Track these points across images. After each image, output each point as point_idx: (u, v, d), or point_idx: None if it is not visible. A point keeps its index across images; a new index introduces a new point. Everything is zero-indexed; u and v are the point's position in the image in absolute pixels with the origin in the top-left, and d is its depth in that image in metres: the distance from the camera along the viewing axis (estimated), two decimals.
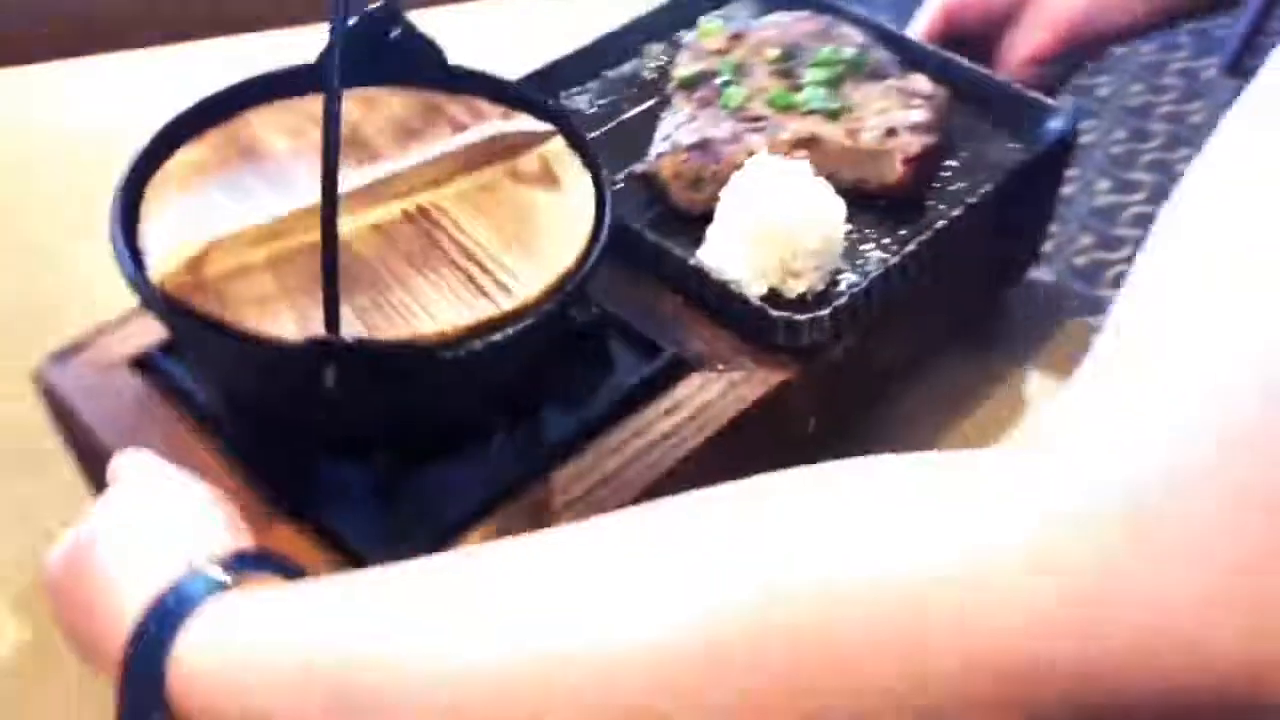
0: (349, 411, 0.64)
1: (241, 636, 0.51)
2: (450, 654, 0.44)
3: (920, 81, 0.91)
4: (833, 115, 0.87)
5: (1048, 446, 0.40)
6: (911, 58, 0.95)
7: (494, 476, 0.67)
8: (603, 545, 0.45)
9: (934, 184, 0.88)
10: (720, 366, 0.75)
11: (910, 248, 0.79)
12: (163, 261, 0.60)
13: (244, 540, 0.58)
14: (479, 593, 0.47)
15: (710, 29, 0.96)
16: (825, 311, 0.75)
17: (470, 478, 0.68)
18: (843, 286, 0.80)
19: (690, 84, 0.91)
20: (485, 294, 0.61)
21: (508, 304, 0.60)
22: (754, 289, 0.78)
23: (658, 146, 0.86)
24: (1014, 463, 0.40)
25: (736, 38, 0.95)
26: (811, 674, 0.39)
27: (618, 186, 0.87)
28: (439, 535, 0.64)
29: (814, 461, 0.43)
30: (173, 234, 0.62)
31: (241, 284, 0.60)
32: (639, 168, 0.87)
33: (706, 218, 0.81)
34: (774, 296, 0.78)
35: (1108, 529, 0.36)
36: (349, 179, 0.66)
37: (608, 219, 0.66)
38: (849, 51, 0.92)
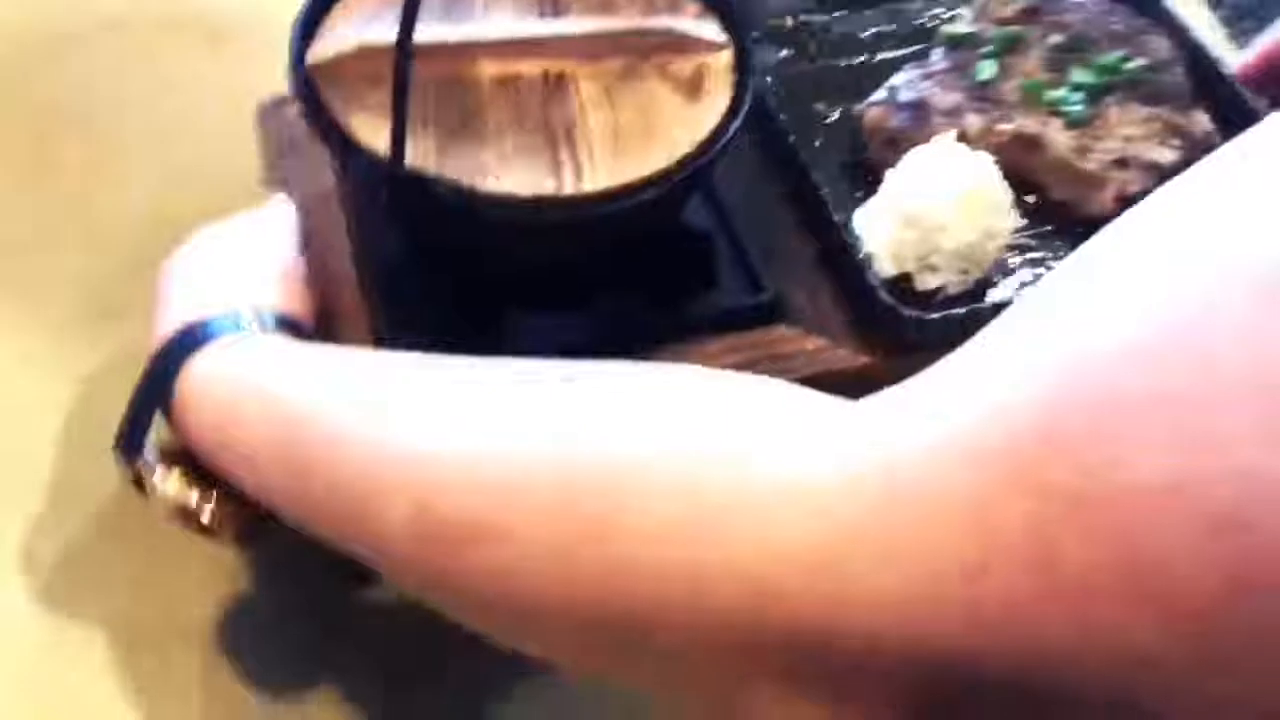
0: (420, 234, 0.70)
1: (234, 370, 0.59)
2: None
3: (1199, 121, 0.81)
4: (1074, 123, 0.80)
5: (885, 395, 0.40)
6: (1214, 91, 0.85)
7: (564, 340, 0.70)
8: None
9: None
10: (808, 328, 0.74)
11: None
12: (319, 51, 0.67)
13: (292, 306, 0.66)
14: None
15: None
16: (935, 315, 0.72)
17: (545, 336, 0.72)
18: (984, 299, 0.76)
19: (954, 42, 0.86)
20: (556, 174, 0.63)
21: (568, 189, 0.63)
22: (886, 267, 0.75)
23: (879, 93, 0.83)
24: (832, 402, 0.41)
25: (1031, 11, 0.88)
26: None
27: (829, 121, 0.85)
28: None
29: None
30: (341, 36, 0.68)
31: (368, 90, 0.66)
32: (857, 108, 0.84)
33: None
34: (906, 281, 0.76)
35: (868, 481, 0.36)
36: (517, 27, 0.70)
37: (722, 142, 0.66)
38: (1136, 64, 0.83)
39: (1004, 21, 0.87)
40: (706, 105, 0.68)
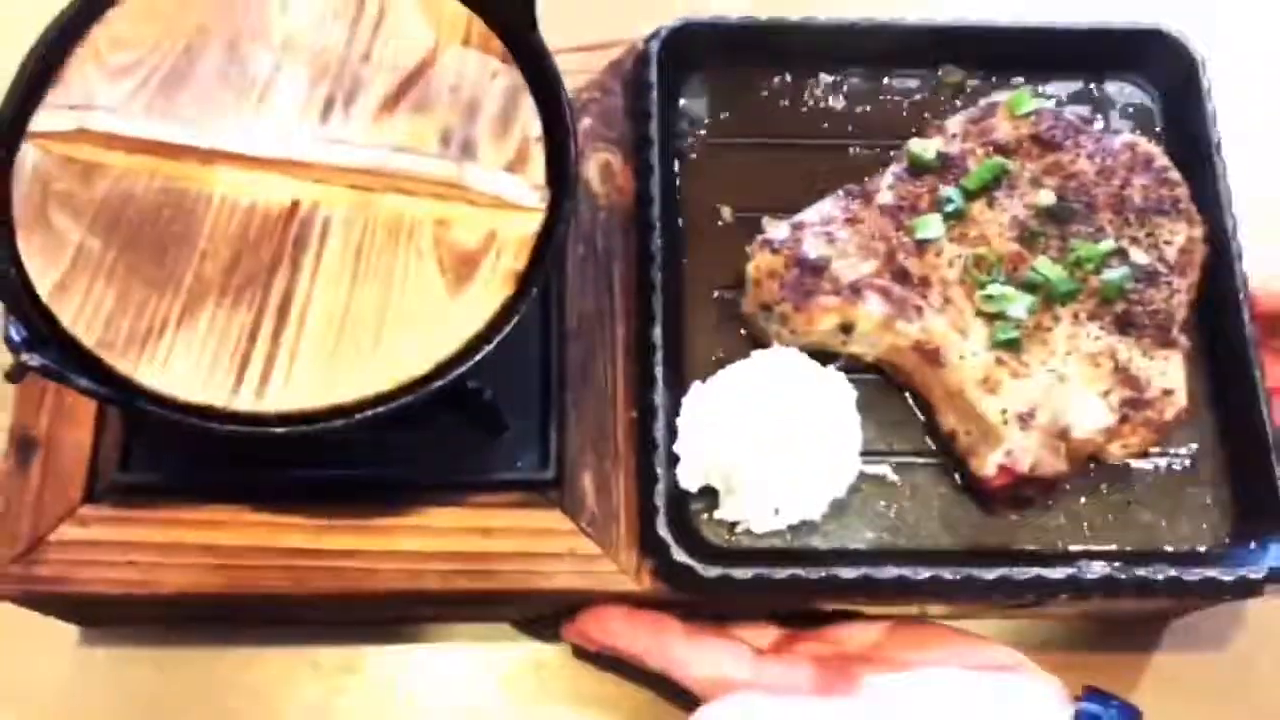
0: None
1: None
2: None
3: (1163, 375, 0.64)
4: (1000, 343, 0.64)
5: None
6: (1214, 322, 0.67)
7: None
8: None
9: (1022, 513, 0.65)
10: (586, 525, 0.63)
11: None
12: (47, 115, 0.56)
13: None
14: None
15: (1020, 100, 0.70)
16: (710, 569, 0.61)
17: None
18: (786, 557, 0.63)
19: (916, 167, 0.68)
20: (239, 370, 0.53)
21: (242, 399, 0.52)
22: (691, 475, 0.63)
23: (779, 228, 0.67)
24: None
25: (1041, 142, 0.68)
26: None
27: (721, 223, 0.70)
28: None
29: None
30: (76, 92, 0.56)
31: (70, 197, 0.55)
32: (751, 245, 0.68)
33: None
34: (709, 497, 0.64)
35: None
36: (278, 135, 0.56)
37: (465, 366, 0.54)
38: (1120, 274, 0.65)
39: (998, 148, 0.68)
40: (473, 299, 0.55)
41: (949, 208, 0.66)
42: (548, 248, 0.56)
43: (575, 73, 0.71)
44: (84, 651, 0.71)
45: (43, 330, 0.52)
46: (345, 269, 0.55)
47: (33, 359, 0.49)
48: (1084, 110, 0.73)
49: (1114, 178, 0.68)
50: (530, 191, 0.57)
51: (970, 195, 0.67)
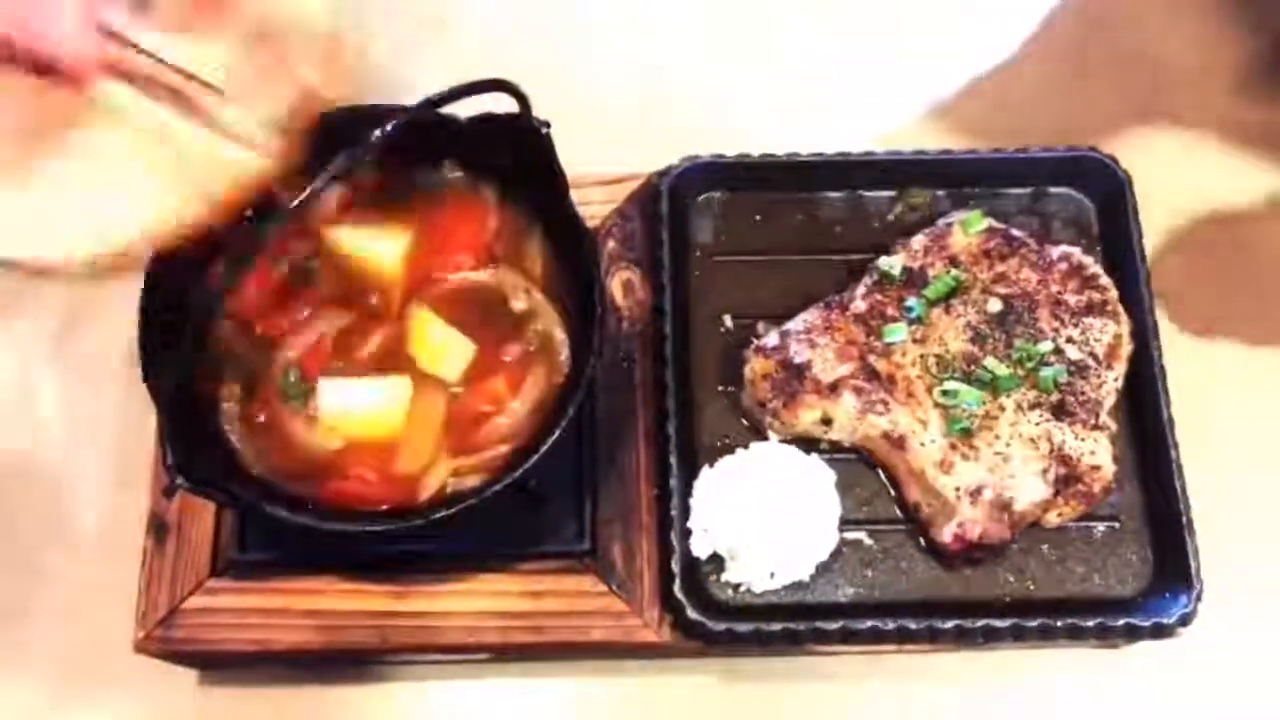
0: None
1: None
2: None
3: (1101, 452, 0.77)
4: (955, 428, 0.77)
5: None
6: (1139, 400, 0.80)
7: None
8: None
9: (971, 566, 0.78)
10: (618, 586, 0.77)
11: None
12: None
13: None
14: None
15: (973, 220, 0.83)
16: (716, 622, 0.74)
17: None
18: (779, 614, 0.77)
19: (884, 280, 0.82)
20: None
21: None
22: (701, 546, 0.77)
23: (771, 336, 0.81)
24: None
25: (991, 255, 0.81)
26: None
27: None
28: None
29: None
30: None
31: None
32: (748, 350, 0.82)
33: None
34: (716, 562, 0.78)
35: None
36: None
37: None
38: (1054, 370, 0.78)
39: (953, 261, 0.82)
40: None
41: (912, 314, 0.80)
42: (581, 378, 0.69)
43: (601, 203, 0.86)
44: (203, 691, 0.85)
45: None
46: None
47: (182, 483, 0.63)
48: (1032, 221, 0.86)
49: (1052, 284, 0.81)
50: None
51: (931, 304, 0.80)
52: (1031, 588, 0.77)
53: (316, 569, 0.77)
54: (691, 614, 0.74)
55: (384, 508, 0.69)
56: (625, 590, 0.77)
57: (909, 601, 0.77)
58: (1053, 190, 0.88)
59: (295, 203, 0.67)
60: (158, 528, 0.78)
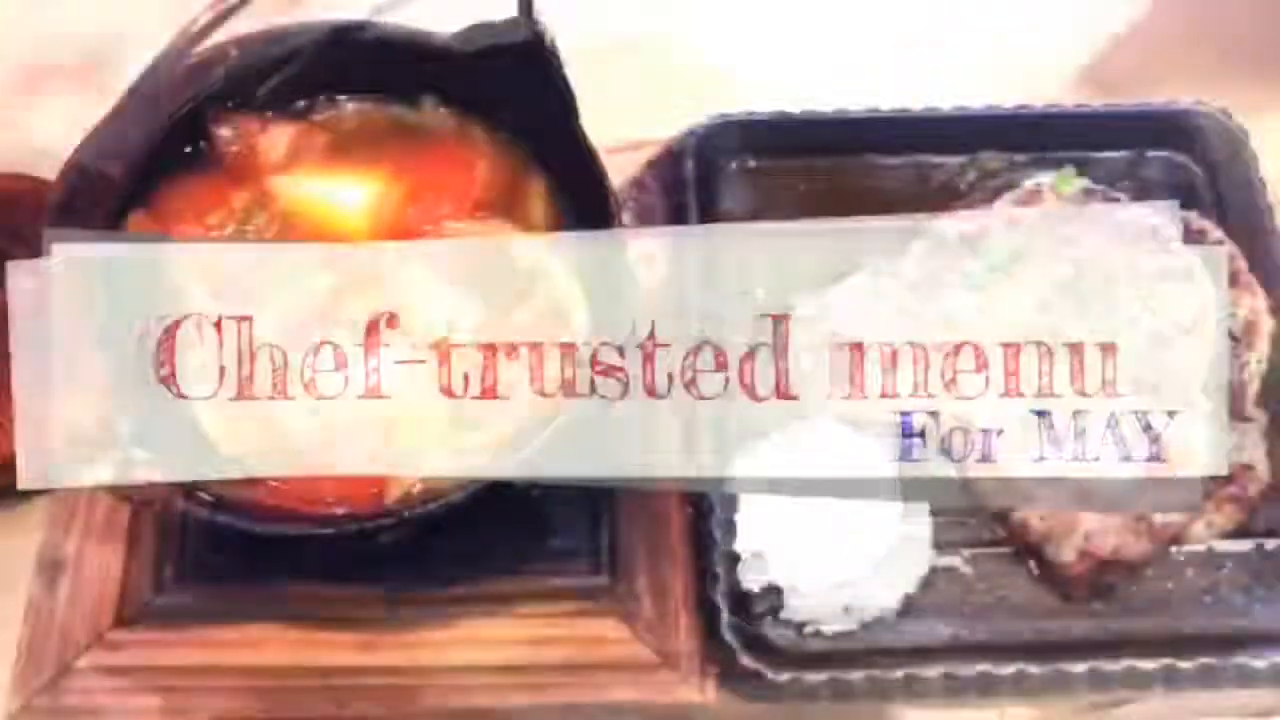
0: None
1: None
2: None
3: (1250, 448, 0.61)
4: None
5: None
6: None
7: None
8: None
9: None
10: (643, 631, 0.60)
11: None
12: None
13: None
14: None
15: (1066, 180, 0.69)
16: (780, 672, 0.57)
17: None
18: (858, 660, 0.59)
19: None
20: None
21: None
22: (752, 575, 0.60)
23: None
24: None
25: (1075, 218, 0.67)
26: None
27: None
28: None
29: None
30: None
31: None
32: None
33: None
34: (775, 595, 0.60)
35: None
36: None
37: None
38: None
39: (1031, 226, 0.67)
40: None
41: (972, 281, 0.66)
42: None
43: (613, 173, 0.71)
44: None
45: None
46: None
47: None
48: (1131, 189, 0.72)
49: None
50: None
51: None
52: (1179, 622, 0.60)
53: (257, 614, 0.60)
54: (745, 661, 0.57)
55: (339, 511, 0.52)
56: (655, 635, 0.60)
57: (1024, 643, 0.60)
58: (1152, 154, 0.74)
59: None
60: (49, 566, 0.61)
